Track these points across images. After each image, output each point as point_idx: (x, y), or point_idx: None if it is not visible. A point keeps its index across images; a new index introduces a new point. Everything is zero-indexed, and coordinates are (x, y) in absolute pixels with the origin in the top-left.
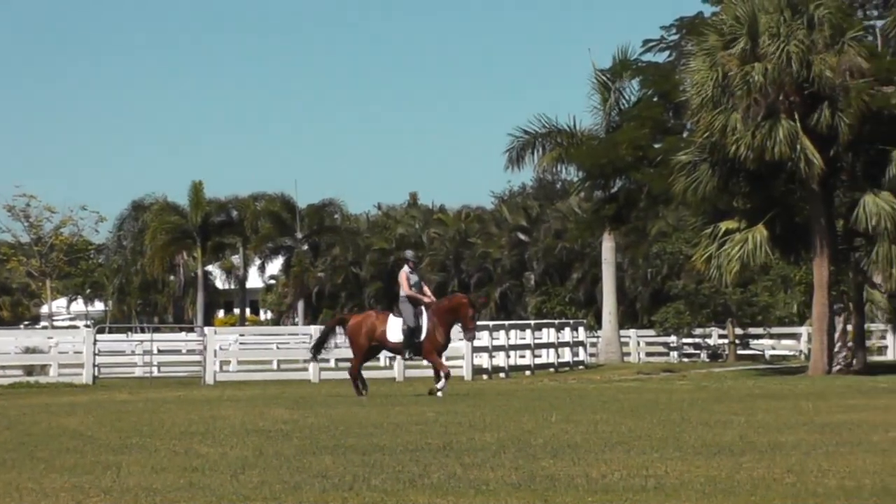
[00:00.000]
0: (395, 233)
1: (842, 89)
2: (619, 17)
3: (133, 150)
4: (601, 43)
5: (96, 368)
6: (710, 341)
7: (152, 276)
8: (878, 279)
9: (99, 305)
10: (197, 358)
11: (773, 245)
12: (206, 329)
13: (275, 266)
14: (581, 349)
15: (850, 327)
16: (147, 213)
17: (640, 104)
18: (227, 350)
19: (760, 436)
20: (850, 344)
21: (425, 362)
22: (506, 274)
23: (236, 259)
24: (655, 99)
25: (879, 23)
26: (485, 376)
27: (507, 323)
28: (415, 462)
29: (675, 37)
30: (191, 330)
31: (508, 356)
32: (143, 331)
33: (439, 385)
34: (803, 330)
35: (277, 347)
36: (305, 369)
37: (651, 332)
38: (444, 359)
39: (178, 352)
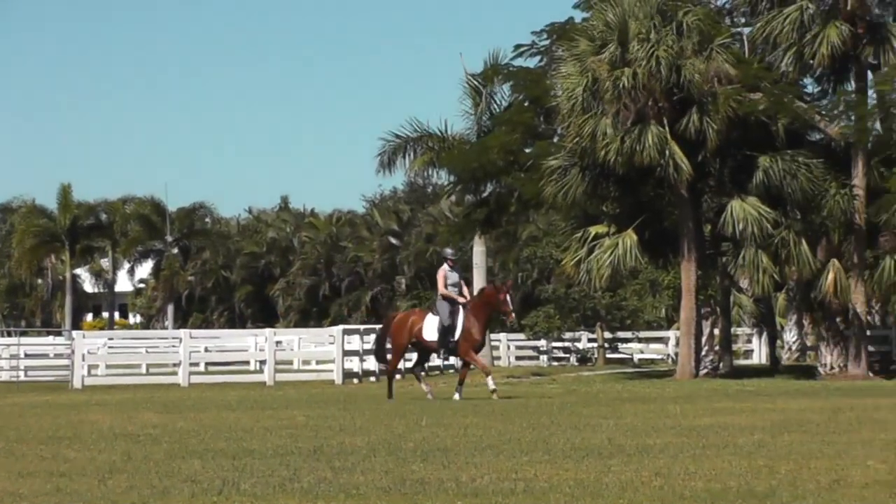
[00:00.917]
0: (266, 237)
1: (710, 95)
2: (490, 22)
3: None
4: (473, 48)
5: None
6: (580, 345)
7: (19, 280)
8: (744, 283)
9: None
10: (65, 362)
11: (642, 249)
12: (74, 333)
13: (144, 269)
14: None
15: (716, 331)
16: (14, 216)
17: (511, 109)
18: (95, 354)
19: (628, 439)
20: (716, 348)
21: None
22: (377, 278)
23: (105, 262)
24: (526, 104)
25: (746, 30)
26: (355, 380)
27: (377, 327)
28: (285, 466)
29: (547, 42)
30: (59, 334)
31: None
32: (9, 335)
33: (490, 386)
34: (671, 334)
35: (147, 351)
36: (175, 373)
37: (521, 336)
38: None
39: (45, 356)
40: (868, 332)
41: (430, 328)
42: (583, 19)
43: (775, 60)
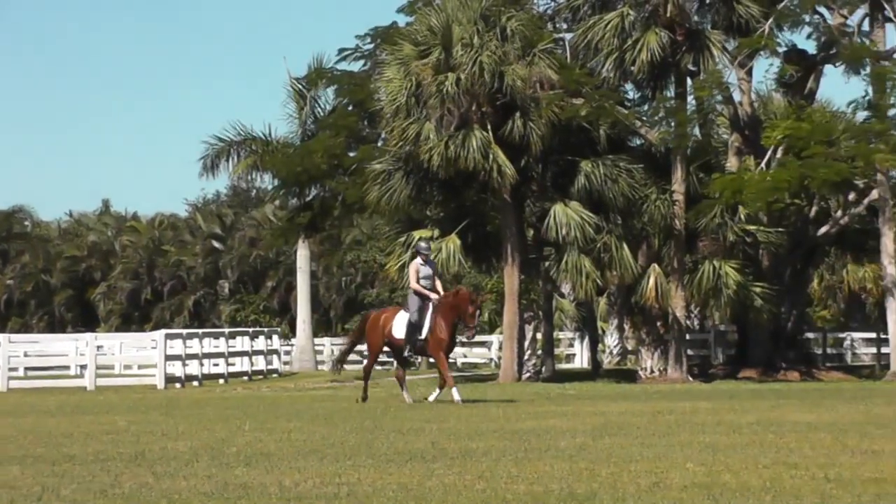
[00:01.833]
0: (87, 240)
1: (533, 100)
2: (314, 25)
3: None
4: (297, 51)
5: None
6: None
7: None
8: (566, 288)
9: None
10: None
11: (465, 254)
12: None
13: None
14: (275, 357)
15: (539, 335)
16: None
17: (335, 113)
18: None
19: (452, 442)
20: (539, 352)
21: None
22: (199, 282)
23: None
24: (350, 108)
25: (568, 36)
26: (178, 385)
27: (200, 331)
28: (105, 472)
29: (371, 46)
30: None
31: (202, 364)
32: None
33: (454, 393)
34: (494, 338)
35: None
36: None
37: (345, 339)
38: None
39: None
40: (687, 336)
41: (400, 325)
42: (406, 24)
43: (597, 66)
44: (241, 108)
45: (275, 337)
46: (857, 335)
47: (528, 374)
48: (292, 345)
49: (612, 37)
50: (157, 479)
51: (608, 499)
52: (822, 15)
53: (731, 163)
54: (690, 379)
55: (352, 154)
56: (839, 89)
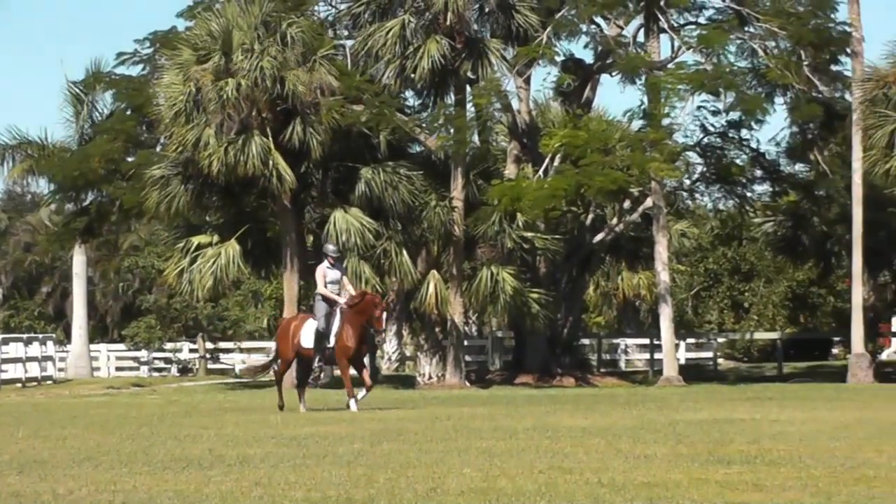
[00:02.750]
0: None
1: (313, 106)
2: (92, 28)
3: None
4: (75, 54)
5: None
6: (181, 356)
7: None
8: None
9: None
10: None
11: (245, 260)
12: None
13: None
14: (50, 364)
15: None
16: None
17: (113, 117)
18: None
19: (229, 449)
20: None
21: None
22: None
23: None
24: (129, 112)
25: (349, 42)
26: None
27: None
28: None
29: (150, 50)
30: None
31: None
32: None
33: (350, 404)
34: (273, 344)
35: None
36: None
37: (122, 346)
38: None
39: None
40: (465, 342)
41: (308, 335)
42: (186, 28)
43: (377, 73)
44: (15, 112)
45: (49, 343)
46: (631, 341)
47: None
48: (67, 351)
49: (392, 44)
50: None
51: None
52: (598, 25)
53: (510, 170)
54: (468, 384)
55: (130, 159)
56: (615, 98)
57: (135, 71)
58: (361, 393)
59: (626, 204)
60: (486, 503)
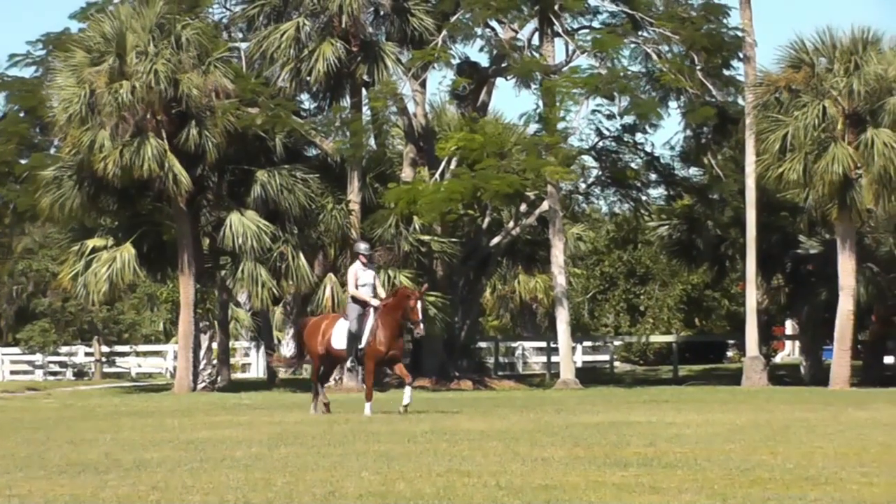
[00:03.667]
0: None
1: (208, 109)
2: None
3: None
4: None
5: None
6: (77, 359)
7: None
8: (242, 297)
9: None
10: None
11: (140, 263)
12: None
13: None
14: None
15: (215, 345)
16: None
17: (5, 119)
18: None
19: (126, 453)
20: (214, 361)
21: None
22: None
23: None
24: (22, 115)
25: (244, 45)
26: None
27: None
28: None
29: (42, 52)
30: None
31: None
32: None
33: (366, 408)
34: (169, 348)
35: None
36: None
37: (16, 350)
38: (401, 370)
39: None
40: None
41: (339, 335)
42: (79, 30)
43: (273, 76)
44: None
45: None
46: (529, 344)
47: (203, 384)
48: None
49: (287, 47)
50: None
51: None
52: (493, 29)
53: (406, 173)
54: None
55: (23, 161)
56: (511, 102)
57: (27, 73)
58: (406, 398)
59: (523, 207)
60: None
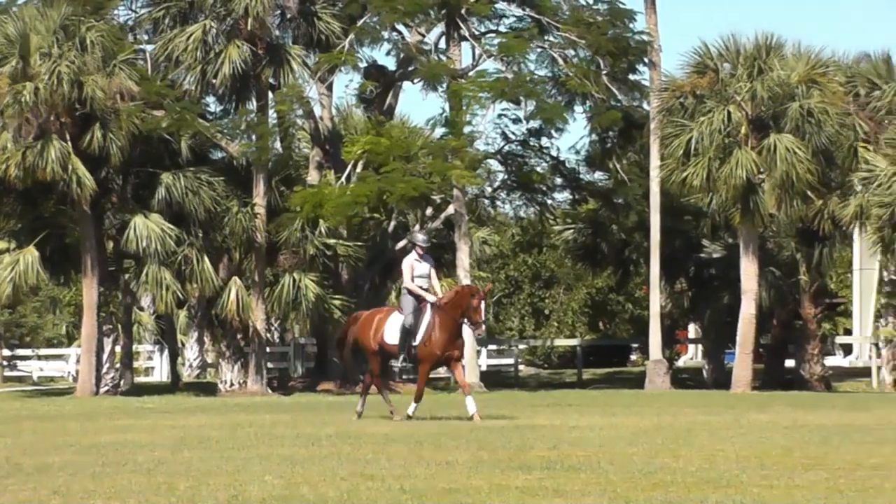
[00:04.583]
0: None
1: (113, 112)
2: None
3: None
4: None
5: None
6: None
7: None
8: (146, 301)
9: None
10: None
11: (43, 266)
12: None
13: None
14: None
15: (118, 348)
16: None
17: None
18: None
19: (27, 458)
20: (118, 365)
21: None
22: None
23: None
24: None
25: (150, 47)
26: None
27: None
28: None
29: None
30: None
31: None
32: None
33: (409, 410)
34: (72, 351)
35: None
36: None
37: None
38: (463, 373)
39: None
40: (267, 349)
41: (392, 329)
42: None
43: (178, 78)
44: None
45: None
46: None
47: (106, 388)
48: None
49: (193, 49)
50: None
51: None
52: (400, 32)
53: (312, 177)
54: (270, 391)
55: None
56: (417, 106)
57: None
58: (471, 407)
59: (429, 211)
60: None
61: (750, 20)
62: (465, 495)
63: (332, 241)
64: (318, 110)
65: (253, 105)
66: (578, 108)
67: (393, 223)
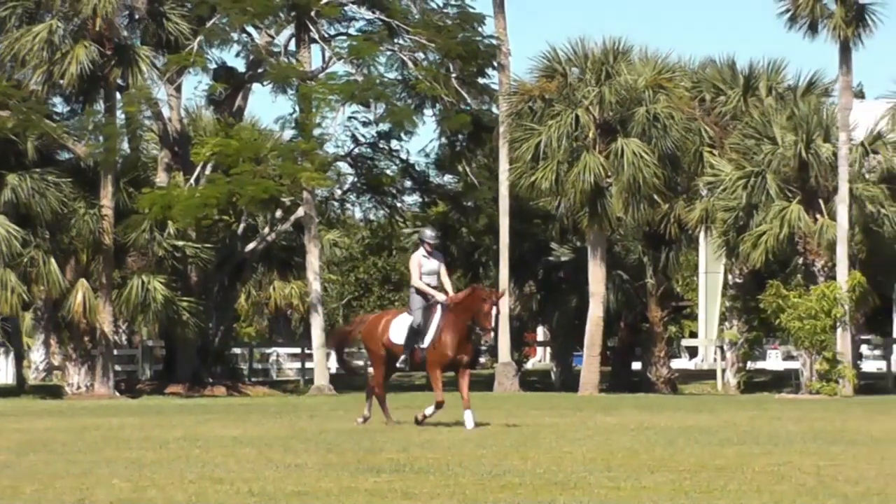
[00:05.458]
0: None
1: None
2: None
3: None
4: None
5: None
6: None
7: None
8: None
9: None
10: None
11: None
12: None
13: None
14: None
15: None
16: None
17: None
18: None
19: None
20: None
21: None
22: None
23: None
24: None
25: None
26: None
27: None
28: None
29: None
30: None
31: None
32: None
33: (427, 411)
34: None
35: None
36: None
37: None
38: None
39: None
40: (115, 352)
41: (399, 329)
42: None
43: (24, 78)
44: None
45: None
46: (283, 350)
47: None
48: None
49: (40, 49)
50: None
51: None
52: (250, 34)
53: (161, 178)
54: (118, 394)
55: None
56: (267, 108)
57: None
58: (469, 422)
59: (278, 213)
60: None
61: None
62: (314, 498)
63: (180, 243)
64: (166, 111)
65: (100, 106)
66: (428, 112)
67: (242, 225)
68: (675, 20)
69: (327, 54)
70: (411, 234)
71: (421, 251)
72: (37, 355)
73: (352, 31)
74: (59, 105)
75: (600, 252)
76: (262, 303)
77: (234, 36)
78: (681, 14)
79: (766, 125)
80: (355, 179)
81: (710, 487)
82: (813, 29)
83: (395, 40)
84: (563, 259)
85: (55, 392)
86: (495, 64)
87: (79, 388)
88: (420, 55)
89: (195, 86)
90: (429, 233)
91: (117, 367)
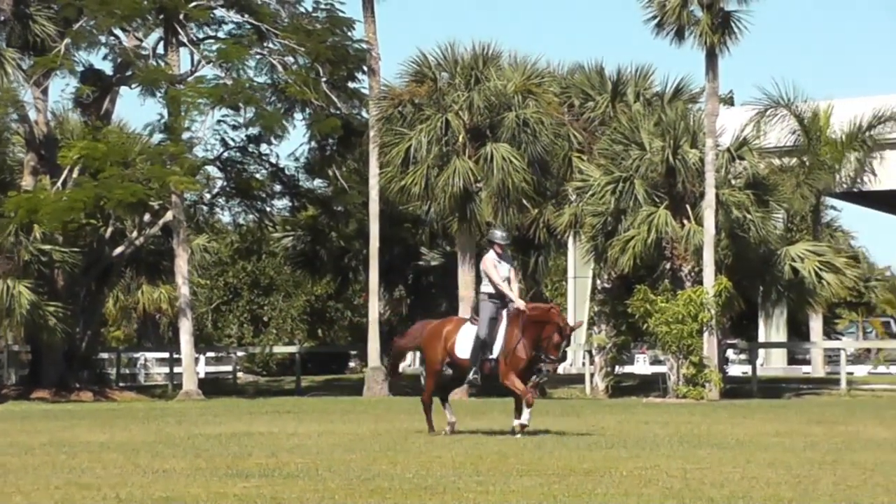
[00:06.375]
0: None
1: None
2: None
3: None
4: None
5: None
6: None
7: None
8: None
9: None
10: None
11: None
12: None
13: None
14: None
15: None
16: None
17: None
18: None
19: None
20: None
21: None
22: None
23: None
24: None
25: None
26: None
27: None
28: None
29: None
30: None
31: None
32: None
33: (523, 418)
34: None
35: None
36: None
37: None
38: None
39: None
40: None
41: (464, 343)
42: None
43: None
44: None
45: None
46: (151, 355)
47: None
48: None
49: None
50: None
51: None
52: (117, 37)
53: (27, 182)
54: None
55: None
56: (135, 111)
57: None
58: (525, 414)
59: (147, 217)
60: None
61: (468, 31)
62: (179, 502)
63: (47, 247)
64: (32, 114)
65: None
66: (298, 116)
67: (110, 229)
68: (545, 26)
69: (196, 58)
70: (281, 238)
71: (492, 254)
72: None
73: (221, 34)
74: None
75: (469, 256)
76: (131, 307)
77: (102, 38)
78: (550, 20)
79: (633, 131)
80: (224, 183)
81: (579, 491)
82: (680, 35)
83: (265, 44)
84: (432, 263)
85: None
86: (365, 68)
87: None
88: (290, 59)
89: (62, 88)
90: (499, 234)
91: None
